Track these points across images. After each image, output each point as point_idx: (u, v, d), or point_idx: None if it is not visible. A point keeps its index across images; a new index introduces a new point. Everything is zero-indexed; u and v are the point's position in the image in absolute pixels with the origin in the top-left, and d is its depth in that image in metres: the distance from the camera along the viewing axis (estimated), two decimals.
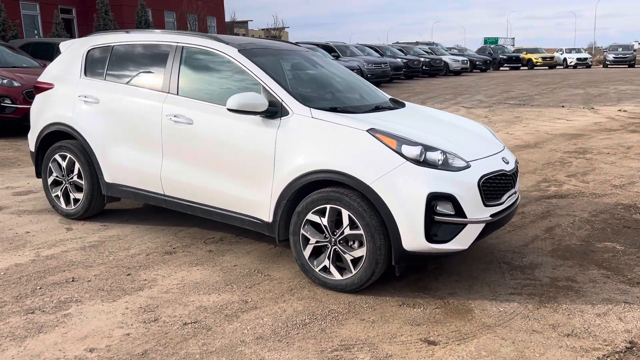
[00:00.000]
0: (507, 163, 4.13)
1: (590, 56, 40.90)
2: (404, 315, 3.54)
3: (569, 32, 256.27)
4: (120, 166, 4.89)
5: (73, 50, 5.41)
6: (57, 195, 5.38)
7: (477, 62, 36.72)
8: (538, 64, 40.10)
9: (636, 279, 4.08)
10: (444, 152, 3.72)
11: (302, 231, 3.94)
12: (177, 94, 4.57)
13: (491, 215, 3.79)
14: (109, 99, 4.93)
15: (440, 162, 3.67)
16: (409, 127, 4.06)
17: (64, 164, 5.24)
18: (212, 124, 4.33)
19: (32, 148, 5.55)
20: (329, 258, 3.86)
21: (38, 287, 3.82)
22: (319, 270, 3.91)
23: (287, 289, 3.91)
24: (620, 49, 39.90)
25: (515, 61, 40.39)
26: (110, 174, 4.98)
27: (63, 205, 5.34)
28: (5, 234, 4.94)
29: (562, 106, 16.33)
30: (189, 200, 4.56)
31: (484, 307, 3.66)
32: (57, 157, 5.28)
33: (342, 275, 3.84)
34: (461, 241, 3.67)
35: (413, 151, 3.66)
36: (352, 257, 3.78)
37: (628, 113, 14.36)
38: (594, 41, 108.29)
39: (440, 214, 3.59)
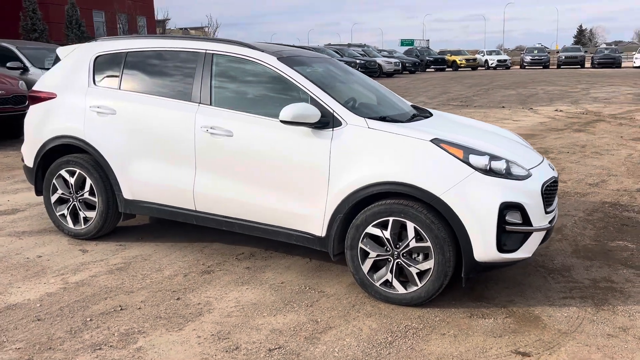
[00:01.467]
0: (553, 169, 4.22)
1: (509, 58, 43.03)
2: (480, 327, 3.52)
3: (476, 34, 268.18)
4: (143, 182, 4.58)
5: (76, 57, 5.01)
6: (62, 214, 4.97)
7: (407, 64, 37.65)
8: (462, 65, 41.70)
9: None
10: (507, 161, 3.74)
11: (360, 245, 3.84)
12: (211, 104, 4.33)
13: (549, 222, 3.86)
14: (128, 110, 4.60)
15: (504, 171, 3.69)
16: (461, 136, 4.05)
17: (71, 180, 4.85)
18: (256, 136, 4.13)
19: (30, 163, 5.10)
20: (391, 272, 3.79)
21: (88, 319, 3.50)
22: (380, 285, 3.83)
23: (348, 305, 3.80)
24: (536, 51, 42.33)
25: (441, 63, 41.80)
26: (130, 190, 4.65)
27: (70, 225, 4.94)
28: (16, 260, 4.50)
29: (503, 107, 17.01)
30: (225, 215, 4.34)
31: (548, 313, 3.71)
32: (63, 172, 4.88)
33: (405, 289, 3.77)
34: (527, 249, 3.71)
35: (481, 161, 3.65)
36: (418, 270, 3.73)
37: (565, 113, 15.16)
38: (502, 43, 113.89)
39: (510, 223, 3.61)
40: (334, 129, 3.93)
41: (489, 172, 3.64)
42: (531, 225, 3.67)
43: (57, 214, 4.99)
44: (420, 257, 3.75)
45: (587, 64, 42.40)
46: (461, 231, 3.59)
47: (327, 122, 3.94)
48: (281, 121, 3.90)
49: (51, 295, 3.85)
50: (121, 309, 3.65)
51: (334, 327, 3.48)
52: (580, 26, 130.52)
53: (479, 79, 32.25)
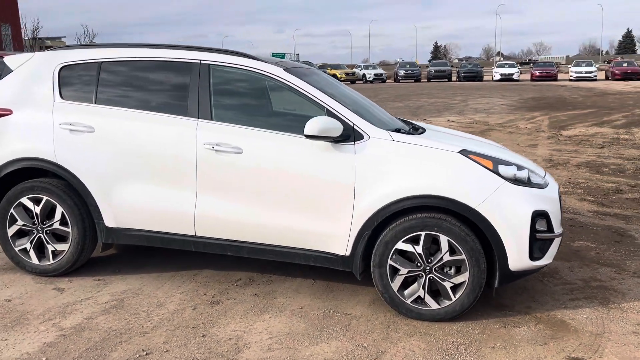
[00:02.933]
0: (551, 177, 4.40)
1: (384, 72, 45.04)
2: (520, 336, 3.54)
3: (342, 49, 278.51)
4: (131, 207, 4.09)
5: (34, 68, 4.36)
6: (23, 249, 4.29)
7: None
8: (342, 78, 42.88)
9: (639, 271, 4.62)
10: (528, 170, 3.82)
11: (390, 262, 3.72)
12: (212, 119, 3.98)
13: (562, 228, 4.00)
14: (110, 127, 4.09)
15: (527, 180, 3.76)
16: (475, 147, 4.07)
17: (36, 209, 4.20)
18: (270, 153, 3.86)
19: None
20: (423, 288, 3.71)
21: None
22: (411, 302, 3.73)
23: (383, 326, 3.65)
24: (408, 66, 44.76)
25: None
26: (114, 217, 4.13)
27: (34, 260, 4.27)
28: None
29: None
30: (232, 239, 4.00)
31: (569, 316, 3.83)
32: (25, 201, 4.22)
33: (438, 304, 3.71)
34: (550, 255, 3.81)
35: (509, 171, 3.70)
36: (452, 284, 3.68)
37: (457, 123, 16.04)
38: (368, 57, 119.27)
39: (539, 231, 3.69)
40: (356, 142, 3.78)
41: (516, 182, 3.70)
42: (554, 232, 3.78)
43: (16, 249, 4.30)
44: (452, 271, 3.71)
45: (454, 78, 45.60)
46: (496, 242, 3.60)
47: (347, 135, 3.78)
48: (306, 136, 3.68)
49: (53, 345, 3.28)
50: (147, 354, 3.20)
51: (385, 351, 3.32)
52: (436, 43, 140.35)
53: (364, 92, 33.10)
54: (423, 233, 3.66)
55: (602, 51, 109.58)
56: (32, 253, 4.27)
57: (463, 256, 3.62)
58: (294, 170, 3.82)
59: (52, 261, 4.26)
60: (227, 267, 4.57)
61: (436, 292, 3.74)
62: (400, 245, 3.70)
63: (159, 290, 4.13)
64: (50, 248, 4.24)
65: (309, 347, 3.35)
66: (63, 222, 4.20)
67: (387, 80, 44.70)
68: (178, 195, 4.00)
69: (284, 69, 4.04)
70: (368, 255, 3.81)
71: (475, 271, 3.63)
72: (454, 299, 3.68)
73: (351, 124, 3.80)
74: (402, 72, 43.27)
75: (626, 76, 39.24)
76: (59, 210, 4.18)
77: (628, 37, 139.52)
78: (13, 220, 4.28)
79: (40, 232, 4.25)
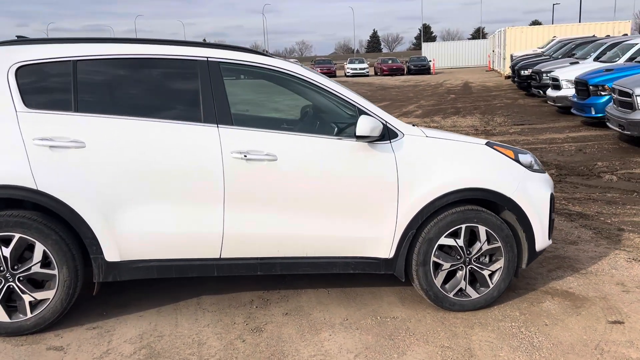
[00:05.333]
0: None
1: None
2: (554, 311, 3.80)
3: None
4: (141, 234, 3.40)
5: None
6: None
7: None
8: None
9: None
10: (532, 156, 4.14)
11: (433, 258, 3.73)
12: (232, 124, 3.51)
13: None
14: (107, 140, 3.33)
15: (535, 166, 4.07)
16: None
17: (4, 252, 3.24)
18: (308, 158, 3.55)
19: None
20: (465, 279, 3.80)
21: None
22: (453, 295, 3.79)
23: (439, 323, 3.64)
24: None
25: None
26: (117, 249, 3.39)
27: (3, 317, 3.30)
28: None
29: None
30: (262, 257, 3.60)
31: (568, 286, 4.23)
32: None
33: (478, 293, 3.83)
34: (552, 236, 4.18)
35: (527, 158, 3.97)
36: (490, 272, 3.83)
37: None
38: None
39: (552, 212, 4.03)
40: (392, 140, 3.68)
41: (532, 168, 3.98)
42: (555, 213, 4.16)
43: None
44: (487, 259, 3.85)
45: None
46: (527, 226, 3.84)
47: (383, 134, 3.66)
48: (359, 136, 3.48)
49: None
50: None
51: (470, 348, 3.34)
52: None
53: None
54: (463, 226, 3.73)
55: (355, 50, 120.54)
56: None
57: (499, 244, 3.79)
58: (334, 174, 3.58)
59: (30, 315, 3.33)
60: (224, 290, 4.08)
61: (472, 281, 3.85)
62: (443, 240, 3.72)
63: (179, 327, 3.53)
64: (26, 299, 3.31)
65: (400, 357, 3.21)
66: (46, 263, 3.32)
67: None
68: (202, 214, 3.46)
69: (301, 66, 3.74)
70: (409, 255, 3.76)
71: (510, 256, 3.82)
72: (491, 286, 3.83)
73: (384, 122, 3.70)
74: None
75: (392, 72, 44.01)
76: (39, 248, 3.28)
77: (375, 37, 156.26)
78: None
79: (11, 279, 3.29)
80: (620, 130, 9.93)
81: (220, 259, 3.56)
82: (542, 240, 3.91)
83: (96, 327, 3.52)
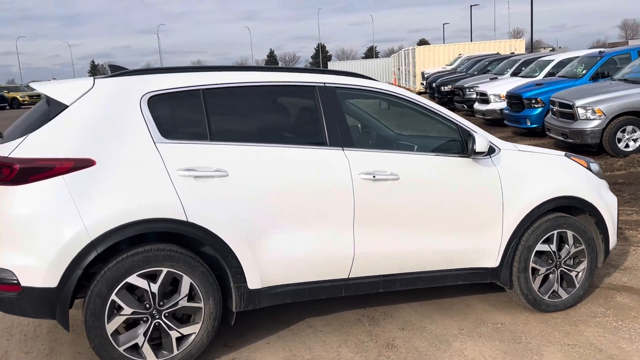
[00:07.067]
0: None
1: None
2: (632, 305, 4.20)
3: None
4: (283, 259, 3.38)
5: (104, 100, 3.16)
6: (132, 346, 3.11)
7: None
8: (25, 102, 37.79)
9: None
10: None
11: (531, 264, 4.01)
12: (354, 146, 3.60)
13: None
14: (246, 168, 3.29)
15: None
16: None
17: (152, 288, 3.10)
18: (425, 175, 3.72)
19: (48, 281, 2.95)
20: (557, 281, 4.11)
21: None
22: (548, 297, 4.08)
23: (545, 325, 3.87)
24: None
25: (2, 101, 36.90)
26: (260, 276, 3.34)
27: (151, 356, 3.14)
28: None
29: None
30: (385, 274, 3.71)
31: (636, 284, 4.69)
32: (133, 279, 3.06)
33: (567, 293, 4.15)
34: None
35: (596, 167, 4.38)
36: (577, 272, 4.17)
37: None
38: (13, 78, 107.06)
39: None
40: (491, 155, 3.93)
41: (598, 175, 4.39)
42: None
43: (121, 349, 3.08)
44: (570, 261, 4.18)
45: None
46: (603, 228, 4.23)
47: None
48: (479, 152, 3.69)
49: None
50: None
51: (594, 344, 3.57)
52: (93, 61, 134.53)
53: None
54: (555, 232, 4.04)
55: None
56: (145, 348, 3.13)
57: (582, 246, 4.14)
58: (449, 190, 3.77)
59: (177, 351, 3.19)
60: (323, 311, 4.12)
61: (560, 283, 4.16)
62: (539, 246, 4.01)
63: (314, 351, 3.55)
64: (173, 335, 3.18)
65: (542, 358, 3.42)
66: (192, 296, 3.21)
67: None
68: (335, 235, 3.50)
69: (400, 88, 3.91)
70: (511, 263, 4.00)
71: (592, 257, 4.18)
72: (577, 285, 4.17)
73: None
74: None
75: None
76: (186, 282, 3.17)
77: (272, 56, 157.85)
78: (115, 310, 3.07)
79: (157, 316, 3.15)
80: (562, 138, 10.88)
81: (348, 278, 3.62)
82: (613, 240, 4.32)
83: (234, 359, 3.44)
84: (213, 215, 3.21)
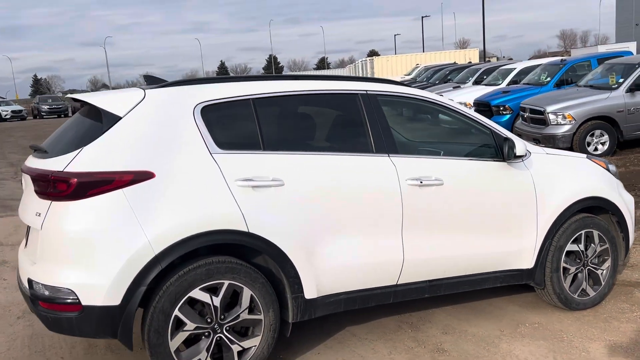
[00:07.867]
0: None
1: (24, 108, 39.79)
2: None
3: None
4: (338, 268, 3.36)
5: (156, 111, 3.08)
6: None
7: None
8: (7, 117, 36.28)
9: None
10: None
11: (563, 264, 4.12)
12: (398, 153, 3.62)
13: None
14: (300, 177, 3.26)
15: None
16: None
17: (215, 302, 3.02)
18: (467, 180, 3.78)
19: (111, 299, 2.83)
20: (585, 280, 4.23)
21: None
22: (577, 296, 4.20)
23: (580, 323, 3.97)
24: (51, 100, 40.54)
25: None
26: (315, 285, 3.30)
27: None
28: None
29: None
30: (431, 279, 3.73)
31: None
32: (195, 293, 2.99)
33: (594, 290, 4.28)
34: None
35: (613, 168, 4.55)
36: (602, 270, 4.30)
37: None
38: None
39: None
40: (523, 159, 4.03)
41: (615, 175, 4.55)
42: None
43: None
44: (596, 260, 4.32)
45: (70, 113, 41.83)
46: (624, 226, 4.39)
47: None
48: (518, 156, 3.78)
49: None
50: None
51: (637, 340, 3.70)
52: (35, 75, 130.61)
53: (15, 131, 28.88)
54: (583, 232, 4.17)
55: None
56: None
57: (607, 245, 4.28)
58: (490, 193, 3.84)
59: None
60: (361, 319, 4.10)
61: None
62: (569, 246, 4.13)
63: None
64: (235, 349, 3.10)
65: (590, 355, 3.51)
66: (252, 309, 3.14)
67: (28, 118, 39.73)
68: (386, 242, 3.51)
69: (437, 94, 3.97)
70: (545, 263, 4.10)
71: (615, 255, 4.34)
72: (603, 283, 4.30)
73: None
74: (45, 108, 38.86)
75: None
76: (246, 294, 3.11)
77: (222, 68, 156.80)
78: (178, 326, 2.97)
79: (219, 330, 3.07)
80: (534, 144, 11.26)
81: (397, 285, 3.62)
82: (632, 237, 4.49)
83: None
84: (272, 225, 3.16)
